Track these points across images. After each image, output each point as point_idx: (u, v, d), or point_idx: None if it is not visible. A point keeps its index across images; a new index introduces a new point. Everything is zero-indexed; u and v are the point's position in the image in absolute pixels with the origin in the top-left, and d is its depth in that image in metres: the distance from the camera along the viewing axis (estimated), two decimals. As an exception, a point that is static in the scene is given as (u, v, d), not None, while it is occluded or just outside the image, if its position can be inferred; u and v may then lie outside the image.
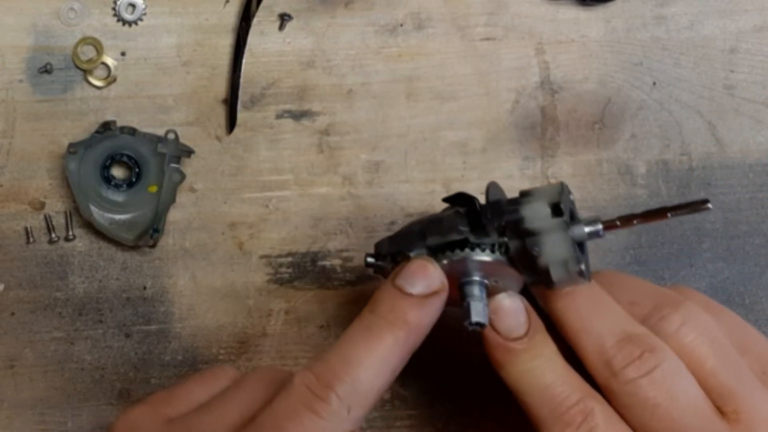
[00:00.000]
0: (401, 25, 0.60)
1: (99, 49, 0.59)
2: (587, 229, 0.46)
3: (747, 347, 0.49)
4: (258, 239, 0.60)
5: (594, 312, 0.47)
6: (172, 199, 0.59)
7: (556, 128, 0.61)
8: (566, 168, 0.61)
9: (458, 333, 0.59)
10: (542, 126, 0.61)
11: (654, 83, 0.61)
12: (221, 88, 0.60)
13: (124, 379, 0.60)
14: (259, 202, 0.60)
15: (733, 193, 0.61)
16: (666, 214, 0.46)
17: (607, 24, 0.61)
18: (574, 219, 0.47)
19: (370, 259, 0.51)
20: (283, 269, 0.60)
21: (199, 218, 0.60)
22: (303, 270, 0.60)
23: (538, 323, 0.48)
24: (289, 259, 0.60)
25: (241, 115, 0.60)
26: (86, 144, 0.58)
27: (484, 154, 0.60)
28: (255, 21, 0.59)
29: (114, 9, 0.59)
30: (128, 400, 0.60)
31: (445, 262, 0.48)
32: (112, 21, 0.59)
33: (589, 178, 0.61)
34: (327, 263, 0.60)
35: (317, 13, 0.60)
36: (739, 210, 0.61)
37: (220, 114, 0.60)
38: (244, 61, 0.59)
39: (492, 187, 0.49)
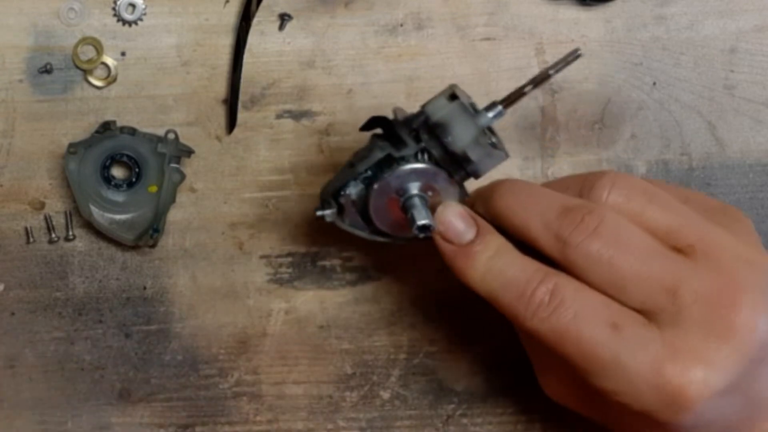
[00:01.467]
0: (401, 25, 0.60)
1: (99, 49, 0.59)
2: (490, 114, 0.50)
3: (687, 198, 0.51)
4: (258, 239, 0.60)
5: (532, 200, 0.49)
6: (172, 199, 0.59)
7: (556, 128, 0.61)
8: (566, 168, 0.61)
9: (458, 333, 0.59)
10: (542, 126, 0.61)
11: (654, 83, 0.61)
12: (221, 88, 0.60)
13: (124, 379, 0.60)
14: (259, 202, 0.60)
15: (733, 193, 0.61)
16: (549, 74, 0.49)
17: (607, 24, 0.61)
18: (477, 111, 0.50)
19: (319, 212, 0.52)
20: (283, 269, 0.60)
21: (199, 218, 0.60)
22: (303, 270, 0.60)
23: (485, 224, 0.50)
24: (289, 259, 0.60)
25: (241, 115, 0.60)
26: (86, 144, 0.58)
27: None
28: (255, 21, 0.59)
29: (114, 9, 0.59)
30: (128, 400, 0.60)
31: (378, 184, 0.50)
32: (112, 21, 0.59)
33: (589, 178, 0.61)
34: (327, 263, 0.60)
35: (317, 13, 0.60)
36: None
37: (220, 114, 0.60)
38: (244, 61, 0.59)
39: (397, 109, 0.52)
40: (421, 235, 0.49)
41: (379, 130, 0.51)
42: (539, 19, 0.60)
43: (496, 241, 0.49)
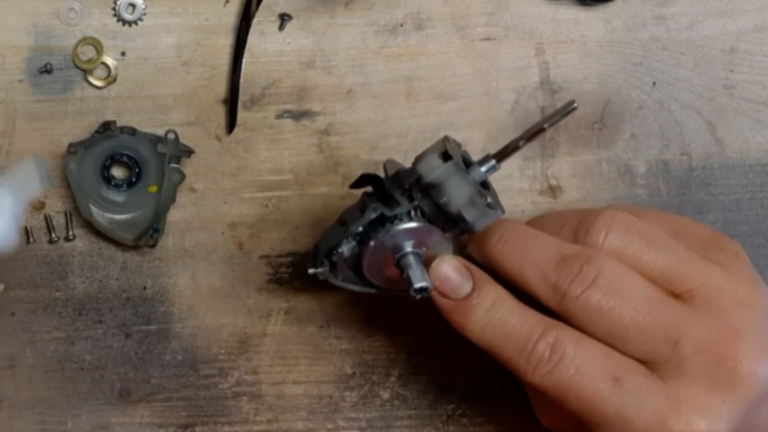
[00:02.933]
0: (401, 25, 0.60)
1: (99, 49, 0.59)
2: (483, 168, 0.49)
3: (682, 232, 0.50)
4: (258, 239, 0.60)
5: (528, 247, 0.48)
6: (172, 199, 0.59)
7: (556, 128, 0.61)
8: (566, 168, 0.61)
9: (458, 334, 0.59)
10: (542, 126, 0.61)
11: (654, 83, 0.61)
12: (221, 88, 0.60)
13: (124, 379, 0.60)
14: (259, 202, 0.60)
15: (733, 193, 0.61)
16: (543, 128, 0.49)
17: (607, 24, 0.61)
18: (470, 165, 0.49)
19: (311, 270, 0.52)
20: (283, 269, 0.61)
21: (199, 218, 0.60)
22: (303, 270, 0.60)
23: (482, 274, 0.49)
24: (289, 259, 0.60)
25: (241, 115, 0.60)
26: (86, 144, 0.58)
27: (483, 154, 0.60)
28: (255, 21, 0.59)
29: (114, 9, 0.59)
30: (128, 400, 0.60)
31: (372, 243, 0.50)
32: (112, 21, 0.59)
33: (589, 178, 0.61)
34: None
35: (317, 13, 0.60)
36: (739, 210, 0.61)
37: (220, 114, 0.60)
38: (244, 61, 0.59)
39: (388, 163, 0.51)
40: (418, 296, 0.49)
41: (370, 188, 0.51)
42: (539, 19, 0.60)
43: (493, 292, 0.49)
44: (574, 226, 0.49)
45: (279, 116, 0.60)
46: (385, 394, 0.61)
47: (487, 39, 0.60)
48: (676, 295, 0.47)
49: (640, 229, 0.48)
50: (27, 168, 0.47)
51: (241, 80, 0.59)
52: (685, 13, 0.61)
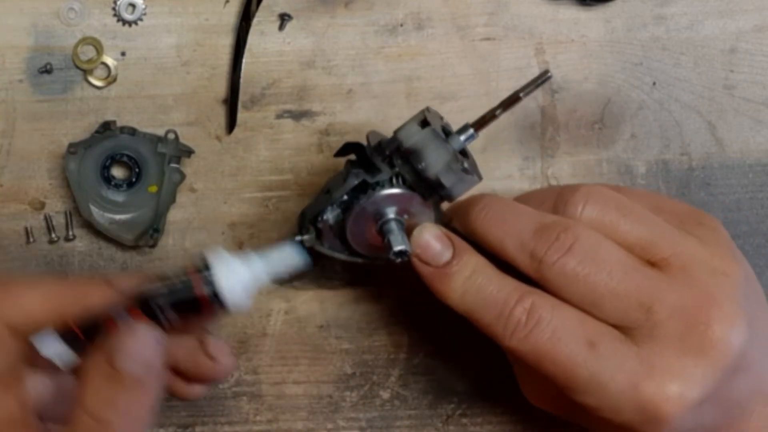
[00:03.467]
0: (401, 25, 0.60)
1: (99, 49, 0.59)
2: (462, 137, 0.51)
3: (661, 208, 0.52)
4: (258, 239, 0.60)
5: (508, 218, 0.49)
6: (172, 199, 0.59)
7: (555, 128, 0.61)
8: (566, 168, 0.61)
9: (459, 333, 0.59)
10: (542, 126, 0.61)
11: (654, 83, 0.61)
12: (221, 88, 0.60)
13: (124, 379, 0.60)
14: (259, 202, 0.60)
15: (732, 193, 0.61)
16: (519, 96, 0.50)
17: (607, 24, 0.61)
18: (449, 134, 0.51)
19: (297, 237, 0.53)
20: (283, 269, 0.60)
21: (199, 218, 0.60)
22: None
23: (462, 243, 0.50)
24: (289, 259, 0.60)
25: (241, 115, 0.60)
26: (86, 144, 0.58)
27: (483, 154, 0.60)
28: (255, 21, 0.59)
29: (114, 9, 0.59)
30: (128, 400, 0.60)
31: (355, 210, 0.51)
32: (112, 21, 0.59)
33: (589, 178, 0.61)
34: (327, 263, 0.60)
35: (317, 13, 0.60)
36: (739, 210, 0.61)
37: (220, 114, 0.60)
38: (244, 61, 0.59)
39: (371, 134, 0.53)
40: (398, 260, 0.50)
41: (353, 156, 0.52)
42: (539, 19, 0.60)
43: (473, 260, 0.50)
44: (553, 199, 0.50)
45: (279, 116, 0.60)
46: (385, 394, 0.61)
47: (487, 39, 0.60)
48: (651, 264, 0.48)
49: (618, 202, 0.50)
50: (287, 251, 0.50)
51: (241, 80, 0.59)
52: (685, 13, 0.61)
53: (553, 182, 0.61)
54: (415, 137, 0.50)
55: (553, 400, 0.51)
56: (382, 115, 0.60)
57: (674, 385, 0.46)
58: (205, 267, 0.48)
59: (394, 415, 0.61)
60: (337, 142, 0.60)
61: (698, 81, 0.61)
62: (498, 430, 0.61)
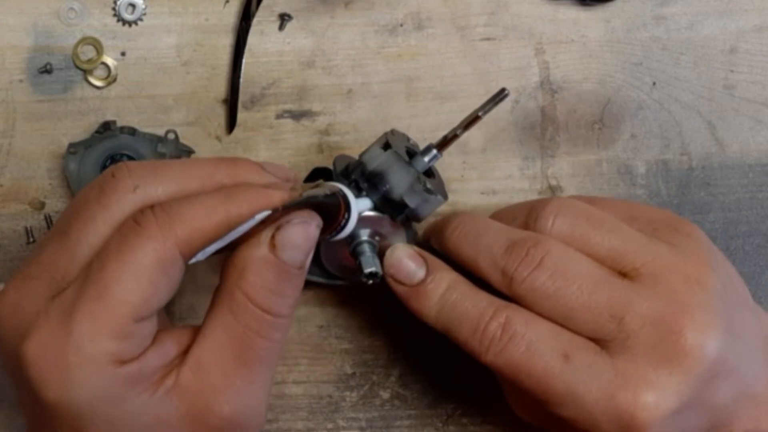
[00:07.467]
0: (401, 25, 0.60)
1: (99, 49, 0.59)
2: (426, 158, 0.52)
3: (636, 216, 0.52)
4: (258, 239, 0.60)
5: (481, 235, 0.50)
6: (172, 199, 0.58)
7: (555, 128, 0.61)
8: (566, 168, 0.61)
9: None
10: (542, 126, 0.61)
11: (654, 83, 0.61)
12: (221, 88, 0.60)
13: (124, 379, 0.60)
14: (259, 202, 0.60)
15: (732, 193, 0.61)
16: (479, 115, 0.51)
17: (607, 24, 0.61)
18: (413, 155, 0.52)
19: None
20: (283, 269, 0.60)
21: (199, 218, 0.60)
22: (303, 270, 0.60)
23: (435, 261, 0.51)
24: (289, 259, 0.60)
25: (241, 115, 0.60)
26: (86, 144, 0.58)
27: (483, 154, 0.60)
28: (255, 21, 0.59)
29: (114, 9, 0.59)
30: (128, 400, 0.60)
31: (327, 236, 0.51)
32: (112, 21, 0.59)
33: (588, 178, 0.61)
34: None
35: (317, 13, 0.60)
36: (739, 210, 0.61)
37: (220, 114, 0.60)
38: (244, 61, 0.59)
39: (338, 158, 0.54)
40: (370, 281, 0.51)
41: (322, 181, 0.53)
42: (539, 19, 0.60)
43: (447, 277, 0.50)
44: (525, 215, 0.51)
45: (279, 116, 0.60)
46: (385, 394, 0.61)
47: (487, 39, 0.61)
48: (623, 274, 0.48)
49: (589, 214, 0.50)
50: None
51: (241, 80, 0.59)
52: (685, 13, 0.61)
53: (553, 182, 0.61)
54: (377, 160, 0.51)
55: (536, 413, 0.51)
56: (382, 115, 0.60)
57: (649, 395, 0.46)
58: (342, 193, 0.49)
59: (394, 415, 0.61)
60: (337, 142, 0.60)
61: (698, 81, 0.61)
62: (498, 430, 0.61)
